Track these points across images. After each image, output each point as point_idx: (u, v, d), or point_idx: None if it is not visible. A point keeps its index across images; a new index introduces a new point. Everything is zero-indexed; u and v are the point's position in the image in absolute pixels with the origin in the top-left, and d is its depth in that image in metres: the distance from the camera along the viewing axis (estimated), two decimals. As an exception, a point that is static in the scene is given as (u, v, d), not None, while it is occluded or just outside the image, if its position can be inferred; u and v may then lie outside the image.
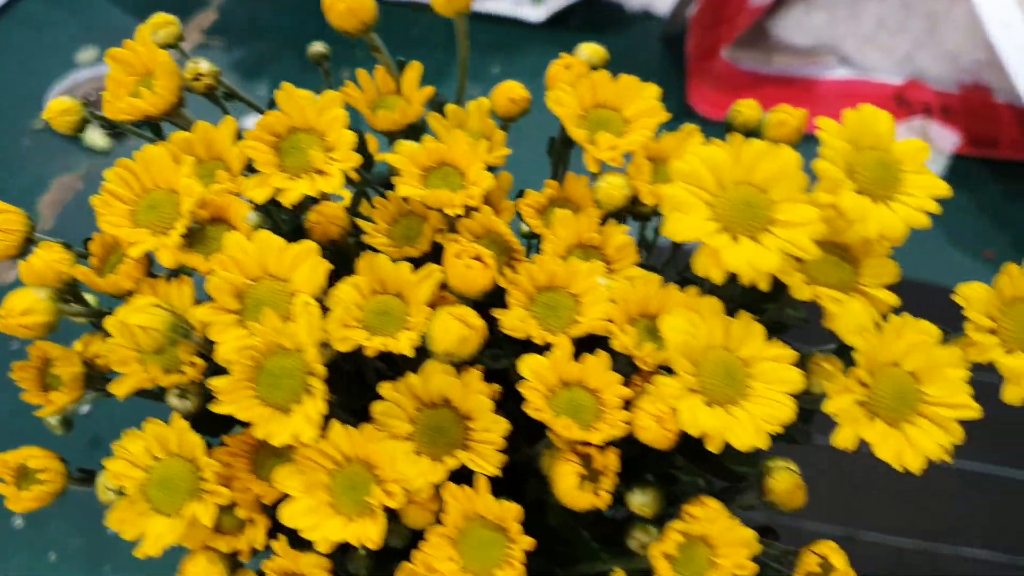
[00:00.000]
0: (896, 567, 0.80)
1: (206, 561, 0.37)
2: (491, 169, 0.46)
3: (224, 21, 0.99)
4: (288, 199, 0.38)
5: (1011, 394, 0.39)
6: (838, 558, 0.38)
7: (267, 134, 0.39)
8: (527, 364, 0.38)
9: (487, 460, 0.38)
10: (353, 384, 0.43)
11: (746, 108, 0.46)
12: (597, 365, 0.38)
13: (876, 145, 0.39)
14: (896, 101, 1.10)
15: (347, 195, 0.49)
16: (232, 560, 0.38)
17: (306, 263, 0.37)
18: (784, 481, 0.38)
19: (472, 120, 0.46)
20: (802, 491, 0.38)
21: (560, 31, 1.12)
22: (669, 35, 1.14)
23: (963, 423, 0.37)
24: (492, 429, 0.38)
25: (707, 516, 0.37)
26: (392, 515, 0.40)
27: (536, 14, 1.12)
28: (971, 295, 0.39)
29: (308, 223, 0.42)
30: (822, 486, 0.86)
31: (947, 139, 1.06)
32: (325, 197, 0.44)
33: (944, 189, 0.39)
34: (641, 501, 0.40)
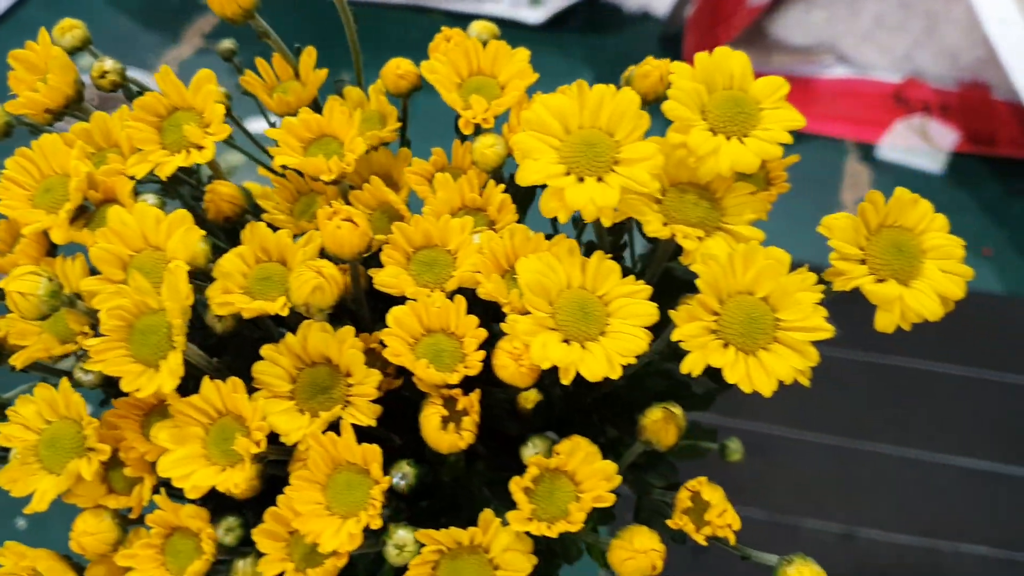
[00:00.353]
0: (895, 564, 0.78)
1: (93, 517, 0.39)
2: (391, 145, 0.48)
3: (224, 25, 1.02)
4: (164, 172, 0.41)
5: (883, 321, 0.39)
6: (711, 492, 0.38)
7: (148, 114, 0.42)
8: (392, 314, 0.39)
9: (362, 412, 0.39)
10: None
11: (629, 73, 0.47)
12: (454, 308, 0.39)
13: (730, 86, 0.40)
14: (895, 99, 1.09)
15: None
16: (125, 519, 0.40)
17: (179, 231, 0.39)
18: (652, 415, 0.38)
19: (372, 100, 0.48)
20: (673, 426, 0.38)
21: (559, 33, 1.13)
22: (667, 36, 1.15)
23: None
24: (366, 382, 0.39)
25: (566, 450, 0.37)
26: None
27: (535, 16, 1.13)
28: (834, 224, 0.39)
29: (204, 203, 0.44)
30: (822, 484, 0.85)
31: (946, 137, 1.05)
32: (222, 174, 0.46)
33: (800, 121, 0.39)
34: (531, 453, 0.40)
